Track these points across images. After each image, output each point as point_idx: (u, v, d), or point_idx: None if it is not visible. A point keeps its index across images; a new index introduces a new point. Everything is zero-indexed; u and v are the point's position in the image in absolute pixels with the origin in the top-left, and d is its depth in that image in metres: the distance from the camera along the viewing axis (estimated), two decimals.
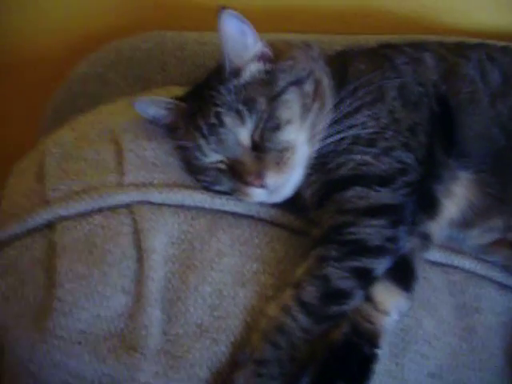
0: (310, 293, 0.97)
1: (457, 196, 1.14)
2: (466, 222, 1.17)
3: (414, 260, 1.09)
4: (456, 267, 1.18)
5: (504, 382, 1.13)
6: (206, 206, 1.09)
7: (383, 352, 1.06)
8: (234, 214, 1.11)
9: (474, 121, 1.14)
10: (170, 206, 1.07)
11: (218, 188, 1.10)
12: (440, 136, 1.13)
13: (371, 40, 1.42)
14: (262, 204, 1.11)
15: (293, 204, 1.12)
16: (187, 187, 1.10)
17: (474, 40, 1.38)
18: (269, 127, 1.05)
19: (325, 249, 1.00)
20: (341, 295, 0.99)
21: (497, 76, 1.18)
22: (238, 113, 1.04)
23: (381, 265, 1.02)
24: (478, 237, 1.19)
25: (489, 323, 1.16)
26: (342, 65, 1.20)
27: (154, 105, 1.14)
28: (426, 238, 1.13)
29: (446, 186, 1.12)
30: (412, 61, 1.19)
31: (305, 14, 1.59)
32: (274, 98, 1.06)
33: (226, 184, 1.09)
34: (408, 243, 1.09)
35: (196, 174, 1.11)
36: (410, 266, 1.09)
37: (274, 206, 1.12)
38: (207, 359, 0.99)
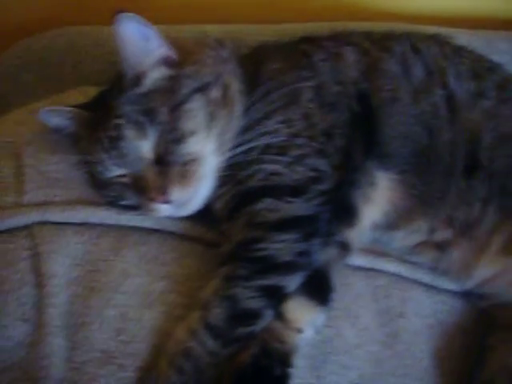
0: (217, 315, 0.94)
1: (378, 200, 1.10)
2: (389, 225, 1.13)
3: (329, 271, 1.06)
4: (380, 271, 1.15)
5: None
6: (112, 222, 1.04)
7: (302, 366, 1.04)
8: (141, 230, 1.06)
9: (396, 120, 1.09)
10: (73, 224, 1.02)
11: (123, 203, 1.05)
12: (360, 137, 1.09)
13: (299, 29, 1.35)
14: (170, 217, 1.06)
15: (204, 215, 1.07)
16: (91, 203, 1.05)
17: (405, 27, 1.31)
18: (171, 139, 0.99)
19: (233, 267, 0.97)
20: (249, 316, 0.96)
21: (420, 70, 1.13)
22: (139, 125, 0.98)
23: (292, 281, 0.99)
24: (402, 239, 1.16)
25: (414, 327, 1.14)
26: (254, 65, 1.13)
27: (57, 114, 1.08)
28: (344, 247, 1.09)
29: (365, 192, 1.08)
30: (331, 57, 1.13)
31: (232, 3, 1.51)
32: (176, 108, 0.99)
33: (130, 199, 1.03)
34: (323, 255, 1.05)
35: (100, 188, 1.06)
36: (326, 278, 1.06)
37: (184, 218, 1.08)
38: None
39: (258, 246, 0.97)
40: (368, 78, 1.11)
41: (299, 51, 1.15)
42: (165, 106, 1.00)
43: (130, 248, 1.04)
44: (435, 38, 1.24)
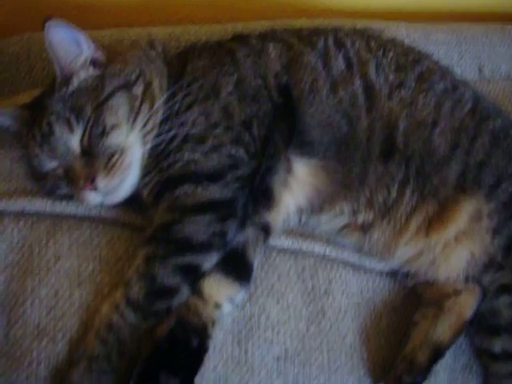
0: (137, 291, 1.02)
1: (299, 185, 1.17)
2: (314, 209, 1.20)
3: (247, 251, 1.13)
4: (307, 252, 1.22)
5: (354, 360, 1.18)
6: (47, 210, 1.13)
7: (228, 341, 1.12)
8: (75, 217, 1.15)
9: (315, 109, 1.16)
10: (10, 213, 1.11)
11: (59, 192, 1.14)
12: (281, 126, 1.15)
13: (243, 28, 1.42)
14: (103, 204, 1.15)
15: (134, 202, 1.16)
16: (28, 193, 1.14)
17: (336, 23, 1.38)
18: (95, 133, 1.08)
19: (152, 247, 1.05)
20: (166, 292, 1.04)
21: (340, 62, 1.20)
22: (67, 121, 1.08)
23: (207, 260, 1.07)
24: (328, 222, 1.22)
25: (339, 305, 1.21)
26: (181, 63, 1.21)
27: (1, 113, 1.17)
28: (265, 229, 1.16)
29: (283, 177, 1.15)
30: (254, 53, 1.21)
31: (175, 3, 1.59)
32: (100, 105, 1.09)
33: (64, 189, 1.12)
34: (240, 236, 1.12)
35: (38, 180, 1.15)
36: (244, 257, 1.13)
37: (115, 205, 1.16)
38: (45, 358, 1.05)
39: (175, 228, 1.06)
40: (289, 71, 1.19)
41: (225, 49, 1.23)
42: (89, 103, 1.09)
43: (64, 233, 1.12)
44: (363, 33, 1.30)
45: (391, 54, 1.25)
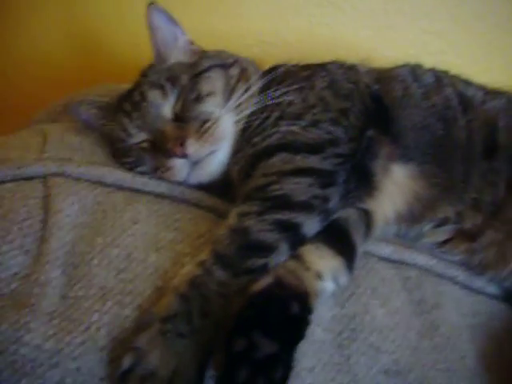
0: (228, 245, 0.87)
1: (397, 188, 1.08)
2: (415, 216, 1.09)
3: (351, 230, 1.00)
4: (410, 264, 1.07)
5: None
6: (127, 184, 1.03)
7: (327, 340, 0.92)
8: (156, 196, 1.04)
9: (409, 113, 1.13)
10: (87, 181, 1.01)
11: (140, 169, 1.06)
12: (376, 128, 1.11)
13: None
14: (187, 186, 1.05)
15: (220, 189, 1.06)
16: (108, 165, 1.05)
17: None
18: (190, 99, 1.06)
19: (246, 205, 0.92)
20: (262, 247, 0.88)
21: (430, 77, 1.20)
22: (161, 88, 1.06)
23: (308, 222, 0.93)
24: (431, 233, 1.10)
25: (452, 321, 1.02)
26: (272, 69, 1.22)
27: (86, 104, 1.15)
28: (367, 216, 1.05)
29: (384, 163, 1.07)
30: (344, 67, 1.22)
31: None
32: (196, 75, 1.08)
33: (148, 163, 1.05)
34: (342, 212, 1.00)
35: (120, 157, 1.09)
36: (348, 234, 0.99)
37: (200, 188, 1.06)
38: (107, 323, 0.85)
39: (273, 187, 0.94)
40: (379, 82, 1.19)
41: (315, 64, 1.24)
42: (186, 74, 1.08)
43: (143, 204, 1.00)
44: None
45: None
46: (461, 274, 1.07)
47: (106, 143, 1.14)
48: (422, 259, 1.06)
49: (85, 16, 1.70)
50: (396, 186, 1.08)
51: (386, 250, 1.06)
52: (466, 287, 1.07)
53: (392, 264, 1.06)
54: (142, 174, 1.06)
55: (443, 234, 1.08)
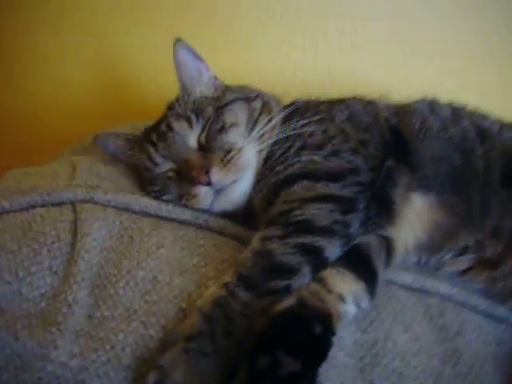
0: (251, 267, 0.89)
1: (417, 217, 1.10)
2: (435, 246, 1.10)
3: (372, 255, 1.01)
4: (429, 292, 1.07)
5: None
6: (152, 211, 1.06)
7: (349, 364, 0.92)
8: (180, 222, 1.07)
9: (427, 144, 1.15)
10: (114, 207, 1.04)
11: (166, 197, 1.10)
12: (396, 159, 1.13)
13: None
14: (210, 214, 1.08)
15: (243, 217, 1.08)
16: (134, 193, 1.09)
17: None
18: (214, 129, 1.09)
19: (269, 230, 0.95)
20: (284, 269, 0.90)
21: (446, 110, 1.22)
22: (187, 119, 1.10)
23: (330, 246, 0.95)
24: (452, 263, 1.11)
25: (475, 349, 1.01)
26: (293, 101, 1.26)
27: (114, 136, 1.20)
28: (387, 242, 1.06)
29: (403, 192, 1.08)
30: (363, 102, 1.25)
31: None
32: (221, 108, 1.12)
33: (173, 191, 1.08)
34: (363, 238, 1.01)
35: (146, 185, 1.12)
36: (369, 259, 1.00)
37: (223, 217, 1.08)
38: (132, 342, 0.87)
39: (295, 212, 0.97)
40: (397, 115, 1.21)
41: (334, 100, 1.28)
42: (211, 106, 1.13)
43: (168, 230, 1.03)
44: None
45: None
46: (483, 303, 1.07)
47: (133, 173, 1.18)
48: (444, 288, 1.07)
49: (112, 55, 1.77)
50: (416, 215, 1.09)
51: (408, 278, 1.07)
52: (488, 316, 1.06)
53: (413, 292, 1.06)
54: (168, 202, 1.08)
55: (464, 262, 1.09)
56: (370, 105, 1.24)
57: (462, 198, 1.10)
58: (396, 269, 1.09)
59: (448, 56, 1.61)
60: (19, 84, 1.87)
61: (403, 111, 1.22)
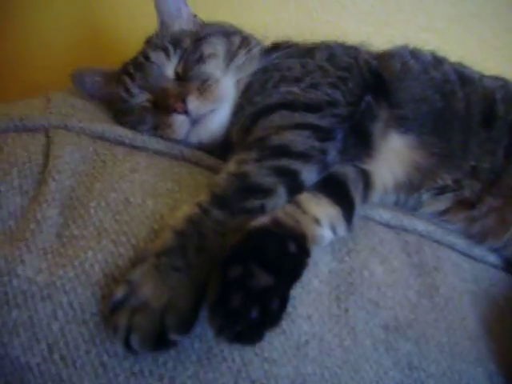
0: (226, 188, 0.86)
1: (396, 157, 1.09)
2: (413, 184, 1.10)
3: (349, 184, 1.00)
4: (407, 229, 1.06)
5: (480, 349, 0.93)
6: (127, 140, 1.04)
7: (325, 292, 0.91)
8: (155, 152, 1.04)
9: (407, 85, 1.14)
10: (89, 134, 1.02)
11: (141, 128, 1.08)
12: (375, 97, 1.12)
13: None
14: (186, 146, 1.06)
15: (219, 151, 1.06)
16: (108, 123, 1.06)
17: None
18: (192, 59, 1.08)
19: (245, 153, 0.92)
20: (259, 190, 0.87)
21: (427, 55, 1.22)
22: (164, 50, 1.09)
23: (306, 170, 0.93)
24: (430, 202, 1.10)
25: (453, 284, 1.00)
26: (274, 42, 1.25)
27: (91, 72, 1.18)
28: (364, 177, 1.05)
29: (382, 127, 1.08)
30: (344, 45, 1.25)
31: None
32: (199, 40, 1.11)
33: (149, 122, 1.06)
34: (340, 168, 1.00)
35: (121, 116, 1.10)
36: (346, 187, 0.99)
37: (199, 149, 1.06)
38: (101, 259, 0.84)
39: (272, 137, 0.95)
40: (378, 58, 1.21)
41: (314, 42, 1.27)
42: (189, 38, 1.11)
43: (143, 157, 1.01)
44: None
45: None
46: (460, 242, 1.06)
47: (108, 107, 1.16)
48: (421, 225, 1.05)
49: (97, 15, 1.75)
50: (394, 154, 1.08)
51: (385, 215, 1.05)
52: (465, 255, 1.05)
53: (390, 229, 1.05)
54: (142, 133, 1.06)
55: (442, 202, 1.08)
56: (350, 48, 1.23)
57: (441, 138, 1.09)
58: (374, 206, 1.07)
59: (430, 15, 1.61)
60: None
61: (384, 54, 1.22)
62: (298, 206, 0.90)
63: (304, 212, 0.89)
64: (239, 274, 0.74)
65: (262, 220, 0.83)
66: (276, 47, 1.20)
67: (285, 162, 0.91)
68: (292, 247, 0.82)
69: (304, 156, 0.93)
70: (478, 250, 1.06)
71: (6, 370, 0.79)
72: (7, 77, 1.84)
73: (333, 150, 0.98)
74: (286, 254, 0.81)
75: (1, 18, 1.80)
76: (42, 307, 0.80)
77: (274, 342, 0.83)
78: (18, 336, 0.79)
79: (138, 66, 1.11)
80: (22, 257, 0.82)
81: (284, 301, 0.77)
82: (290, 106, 1.01)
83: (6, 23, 1.81)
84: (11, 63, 1.82)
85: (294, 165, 0.91)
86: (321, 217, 0.91)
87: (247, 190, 0.86)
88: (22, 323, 0.80)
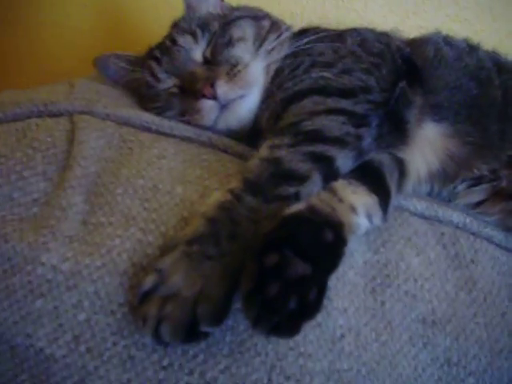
0: (259, 173, 0.83)
1: (430, 146, 1.05)
2: (447, 174, 1.06)
3: (385, 173, 0.96)
4: (442, 220, 1.01)
5: None
6: (153, 127, 1.00)
7: (359, 284, 0.87)
8: (182, 139, 1.01)
9: (441, 73, 1.10)
10: (115, 120, 0.99)
11: (168, 114, 1.04)
12: (410, 83, 1.08)
13: None
14: (214, 132, 1.02)
15: (249, 139, 1.03)
16: (134, 109, 1.03)
17: None
18: (220, 43, 1.04)
19: (278, 139, 0.89)
20: (294, 176, 0.84)
21: (461, 42, 1.18)
22: (192, 33, 1.06)
23: (342, 156, 0.89)
24: (465, 194, 1.06)
25: (491, 278, 0.96)
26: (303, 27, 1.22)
27: (115, 58, 1.14)
28: (400, 163, 1.01)
29: (417, 113, 1.04)
30: (375, 31, 1.21)
31: None
32: (227, 23, 1.07)
33: (177, 107, 1.03)
34: (376, 155, 0.96)
35: (147, 102, 1.07)
36: (382, 176, 0.95)
37: (227, 135, 1.03)
38: (129, 248, 0.81)
39: (305, 123, 0.91)
40: (410, 45, 1.17)
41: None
42: (217, 21, 1.07)
43: (170, 144, 0.97)
44: None
45: None
46: (497, 234, 1.01)
47: (133, 93, 1.12)
48: (457, 217, 1.01)
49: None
50: (429, 143, 1.05)
51: (419, 206, 1.01)
52: (502, 247, 1.01)
53: (425, 220, 1.01)
54: (170, 119, 1.03)
55: (478, 194, 1.04)
56: (382, 34, 1.19)
57: (477, 127, 1.05)
58: (408, 197, 1.03)
59: (459, 5, 1.56)
60: None
61: (416, 41, 1.19)
62: (334, 193, 0.86)
63: (340, 200, 0.86)
64: (276, 262, 0.70)
65: (297, 207, 0.79)
66: (305, 32, 1.16)
67: (320, 148, 0.87)
68: (329, 235, 0.78)
69: (339, 142, 0.89)
70: None
71: (31, 362, 0.76)
72: (32, 67, 1.82)
73: (368, 137, 0.94)
74: (323, 242, 0.77)
75: (29, 8, 1.78)
76: (67, 297, 0.77)
77: (309, 335, 0.79)
78: (43, 327, 0.76)
79: (165, 50, 1.07)
80: (47, 244, 0.79)
81: (322, 291, 0.73)
82: (322, 91, 0.97)
83: (33, 13, 1.79)
84: (35, 53, 1.80)
85: (330, 151, 0.88)
86: (357, 205, 0.87)
87: (281, 176, 0.83)
88: (46, 313, 0.77)
